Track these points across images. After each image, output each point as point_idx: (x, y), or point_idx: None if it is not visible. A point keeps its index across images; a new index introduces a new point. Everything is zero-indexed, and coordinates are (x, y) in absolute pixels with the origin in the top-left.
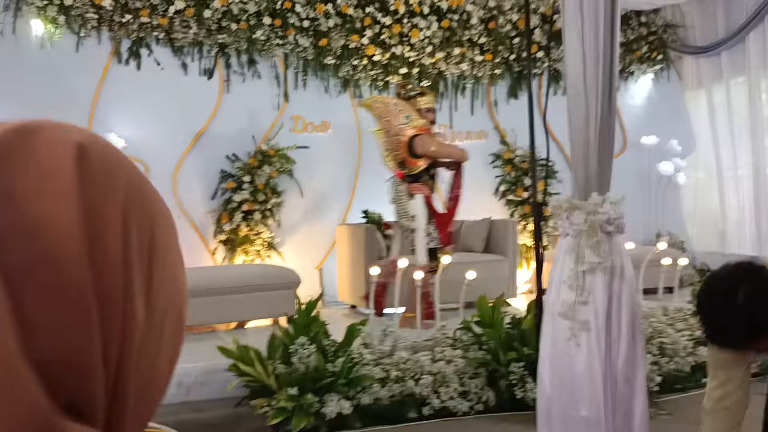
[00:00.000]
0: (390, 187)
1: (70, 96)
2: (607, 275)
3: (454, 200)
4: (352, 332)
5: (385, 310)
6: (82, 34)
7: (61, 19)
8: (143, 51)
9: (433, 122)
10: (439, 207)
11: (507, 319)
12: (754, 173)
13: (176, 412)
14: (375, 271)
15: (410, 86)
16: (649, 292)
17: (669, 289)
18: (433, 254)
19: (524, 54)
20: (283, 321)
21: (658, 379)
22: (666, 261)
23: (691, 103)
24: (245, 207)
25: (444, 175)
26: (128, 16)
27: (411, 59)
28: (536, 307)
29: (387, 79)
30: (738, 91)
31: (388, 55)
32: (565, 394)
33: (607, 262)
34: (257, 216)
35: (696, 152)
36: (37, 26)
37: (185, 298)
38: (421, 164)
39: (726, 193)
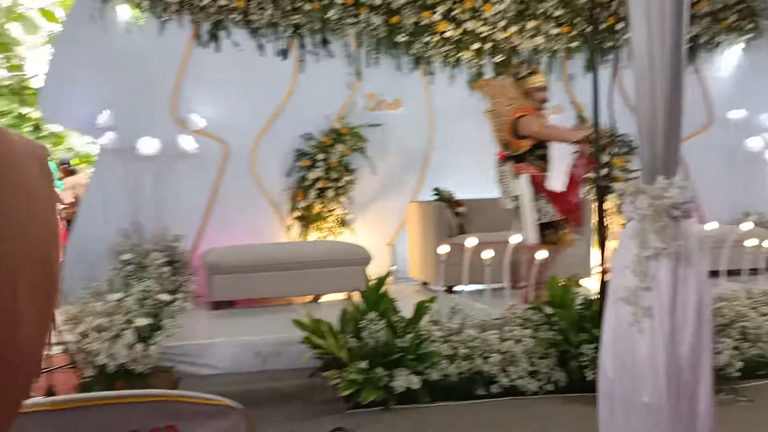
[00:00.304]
0: (495, 167)
1: (153, 78)
2: (673, 261)
3: (570, 178)
4: (420, 309)
5: (455, 288)
6: (164, 19)
7: (145, 4)
8: (222, 33)
9: (543, 101)
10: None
11: (578, 300)
12: None
13: (254, 381)
14: (443, 249)
15: (522, 67)
16: (732, 273)
17: (754, 271)
18: (548, 229)
19: (601, 26)
20: (356, 296)
21: (740, 364)
22: (751, 242)
23: None
24: (319, 184)
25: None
26: (207, 0)
27: (483, 34)
28: (600, 291)
29: (459, 55)
30: None
31: (459, 31)
32: (626, 380)
33: (672, 247)
34: (330, 193)
35: None
36: (123, 12)
37: (46, 251)
38: (524, 145)
39: None
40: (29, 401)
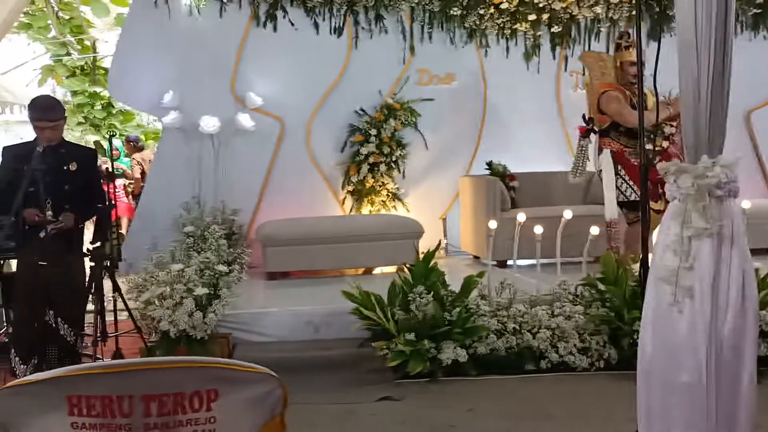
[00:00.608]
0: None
1: (215, 59)
2: (716, 241)
3: (662, 156)
4: (468, 284)
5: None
6: (224, 1)
7: None
8: (279, 13)
9: (636, 77)
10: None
11: (633, 277)
12: None
13: (306, 349)
14: (493, 224)
15: (624, 38)
16: None
17: None
18: (630, 207)
19: None
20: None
21: None
22: None
23: None
24: (371, 159)
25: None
26: None
27: (540, 5)
28: (641, 270)
29: (515, 27)
30: None
31: (516, 2)
32: (666, 360)
33: (715, 228)
34: (383, 168)
35: None
36: None
37: None
38: (606, 120)
39: None
40: (94, 364)
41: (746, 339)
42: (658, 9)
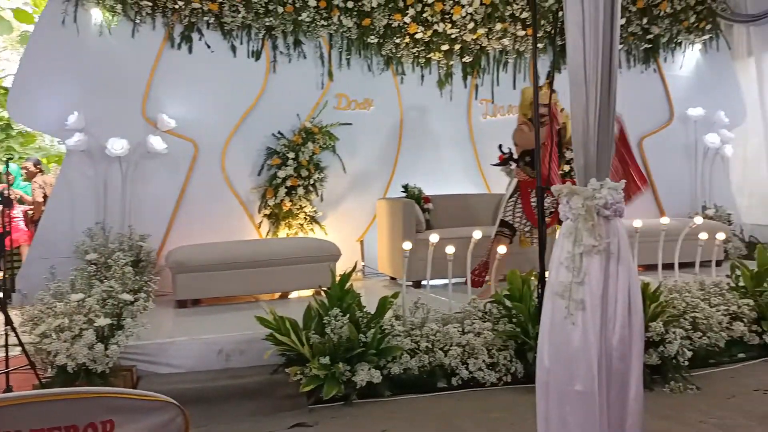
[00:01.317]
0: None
1: (126, 80)
2: (604, 257)
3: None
4: (384, 304)
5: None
6: (137, 21)
7: (119, 7)
8: (194, 35)
9: (541, 116)
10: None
11: (536, 294)
12: None
13: (217, 378)
14: (407, 245)
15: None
16: (686, 266)
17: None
18: (507, 228)
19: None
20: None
21: (689, 354)
22: (703, 235)
23: (741, 74)
24: (289, 182)
25: None
26: (180, 2)
27: (453, 36)
28: (539, 287)
29: (429, 56)
30: None
31: (430, 33)
32: (561, 370)
33: (603, 245)
34: (300, 191)
35: (745, 123)
36: (96, 14)
37: None
38: (517, 151)
39: None
40: None
41: (633, 348)
42: (561, 43)
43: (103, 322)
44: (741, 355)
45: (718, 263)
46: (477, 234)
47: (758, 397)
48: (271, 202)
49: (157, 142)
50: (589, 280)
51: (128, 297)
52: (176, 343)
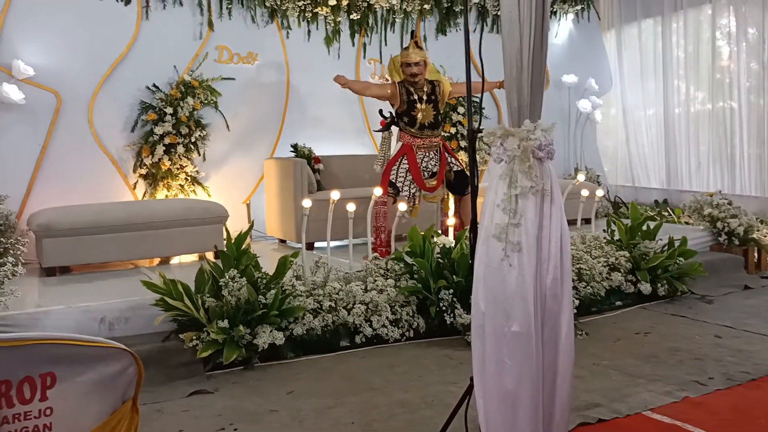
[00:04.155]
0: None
1: None
2: (538, 198)
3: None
4: (284, 264)
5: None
6: None
7: None
8: None
9: (412, 76)
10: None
11: (437, 250)
12: (665, 112)
13: None
14: (308, 203)
15: (412, 39)
16: (568, 222)
17: (586, 220)
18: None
19: None
20: (210, 256)
21: (576, 302)
22: (584, 193)
23: (608, 44)
24: (167, 140)
25: None
26: None
27: None
28: (471, 231)
29: (315, 10)
30: (649, 33)
31: None
32: (498, 312)
33: (539, 185)
34: (180, 149)
35: (611, 91)
36: None
37: None
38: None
39: (634, 132)
40: None
41: (564, 288)
42: (447, 5)
43: None
44: (618, 303)
45: (589, 221)
46: (378, 191)
47: (640, 339)
48: (147, 161)
49: (13, 91)
50: (525, 222)
51: None
52: (51, 313)
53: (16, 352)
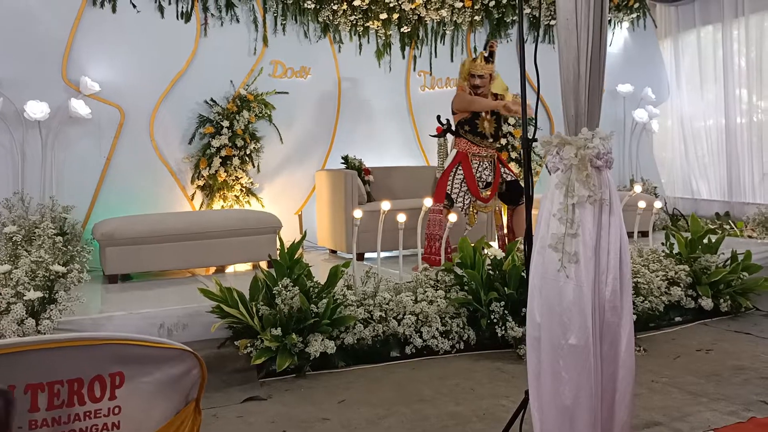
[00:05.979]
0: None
1: (43, 39)
2: (597, 208)
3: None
4: (335, 274)
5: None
6: None
7: None
8: None
9: (474, 87)
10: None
11: (488, 261)
12: (726, 122)
13: None
14: (358, 213)
15: (489, 48)
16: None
17: (643, 233)
18: (447, 200)
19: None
20: (264, 265)
21: (634, 317)
22: (641, 204)
23: (665, 52)
24: (224, 152)
25: None
26: None
27: (391, 5)
28: (525, 242)
29: (367, 24)
30: (708, 40)
31: (368, 0)
32: (554, 324)
33: (597, 195)
34: (236, 161)
35: (668, 101)
36: None
37: None
38: (456, 119)
39: (693, 142)
40: None
41: (624, 300)
42: (498, 16)
43: (33, 295)
44: (678, 319)
45: (646, 233)
46: (428, 202)
47: (702, 356)
48: (204, 173)
49: (80, 107)
50: (583, 232)
51: (60, 268)
52: (113, 318)
53: (87, 351)
